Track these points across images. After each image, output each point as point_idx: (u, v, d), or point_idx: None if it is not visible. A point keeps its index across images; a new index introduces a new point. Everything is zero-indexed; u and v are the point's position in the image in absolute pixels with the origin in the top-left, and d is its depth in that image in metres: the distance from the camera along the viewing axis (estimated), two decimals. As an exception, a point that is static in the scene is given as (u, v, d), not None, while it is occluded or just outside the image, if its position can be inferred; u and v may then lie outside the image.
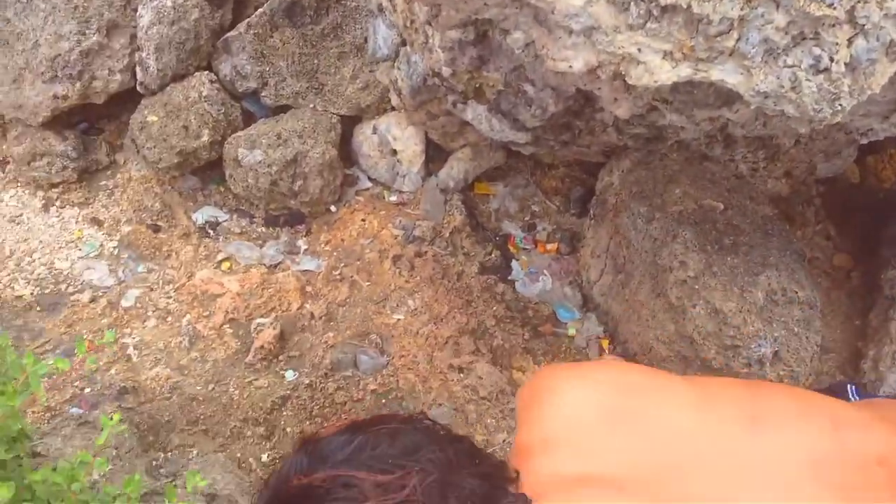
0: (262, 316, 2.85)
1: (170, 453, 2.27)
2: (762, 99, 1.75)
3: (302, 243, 3.12)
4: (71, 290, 2.82)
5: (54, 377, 2.44)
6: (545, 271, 3.08)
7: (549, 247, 3.17)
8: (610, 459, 0.96)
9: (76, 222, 3.02)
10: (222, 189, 3.21)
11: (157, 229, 3.04)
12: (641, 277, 2.70)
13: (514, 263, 3.11)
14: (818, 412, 1.09)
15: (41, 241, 2.94)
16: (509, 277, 3.06)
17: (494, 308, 2.90)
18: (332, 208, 3.19)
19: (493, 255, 3.10)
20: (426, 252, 3.02)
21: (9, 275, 2.83)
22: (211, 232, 3.09)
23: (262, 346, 2.72)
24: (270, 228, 3.15)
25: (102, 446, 0.89)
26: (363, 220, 3.15)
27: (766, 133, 2.47)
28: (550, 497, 0.94)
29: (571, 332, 2.92)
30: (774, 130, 2.40)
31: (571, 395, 1.04)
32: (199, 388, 2.63)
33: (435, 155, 3.26)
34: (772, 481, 0.98)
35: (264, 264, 3.01)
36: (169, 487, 0.94)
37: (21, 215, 3.00)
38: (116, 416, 0.90)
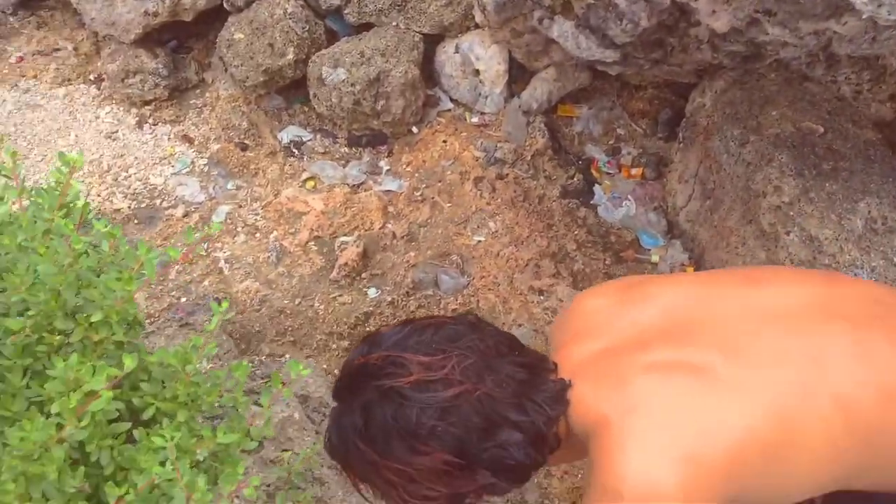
0: (345, 234, 2.91)
1: (264, 358, 2.37)
2: (875, 7, 1.63)
3: (384, 164, 3.14)
4: (165, 204, 2.93)
5: (153, 286, 2.56)
6: (629, 196, 3.02)
7: (633, 171, 3.09)
8: (628, 331, 1.08)
9: (168, 139, 3.12)
10: (306, 109, 3.24)
11: (244, 148, 3.11)
12: (732, 203, 2.61)
13: (596, 188, 3.05)
14: (812, 274, 1.26)
15: (136, 157, 3.05)
16: (592, 202, 3.02)
17: (576, 232, 2.87)
18: (414, 129, 3.18)
19: (575, 179, 3.05)
20: (507, 174, 3.00)
21: (107, 189, 2.95)
22: (296, 151, 3.14)
23: (345, 264, 2.78)
24: (353, 149, 3.18)
25: (213, 332, 0.94)
26: (444, 141, 3.13)
27: (872, 52, 2.31)
28: (582, 376, 1.04)
29: (655, 258, 2.87)
30: (882, 49, 2.24)
31: (588, 300, 1.19)
32: (286, 301, 2.72)
33: (518, 75, 3.19)
34: (780, 319, 1.06)
35: (347, 184, 3.05)
36: (274, 373, 0.98)
37: (117, 132, 3.10)
38: (224, 304, 0.94)
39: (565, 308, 1.24)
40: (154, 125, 3.15)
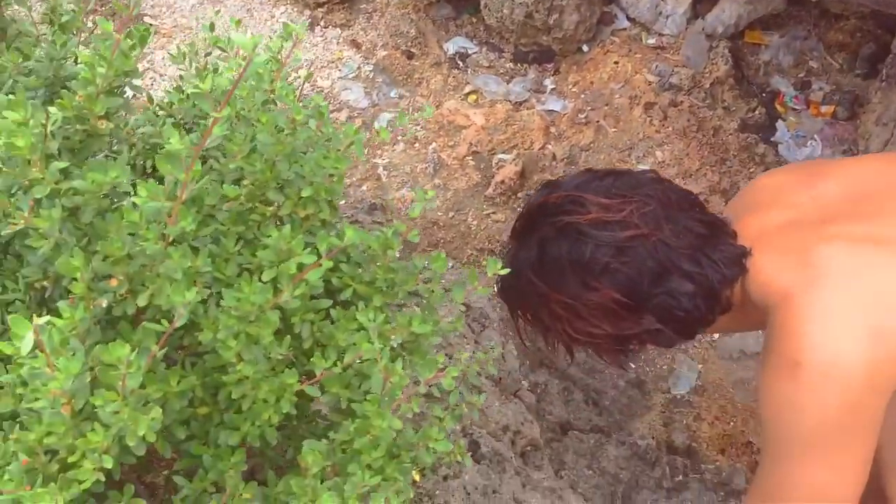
0: (504, 152, 2.85)
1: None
2: None
3: (549, 82, 3.03)
4: (330, 108, 2.97)
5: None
6: (815, 136, 2.77)
7: (823, 109, 2.82)
8: (811, 205, 1.04)
9: (337, 43, 3.14)
10: (474, 20, 3.16)
11: (410, 56, 3.08)
12: (941, 150, 2.34)
13: (779, 124, 2.82)
14: None
15: (306, 59, 3.09)
16: (772, 139, 2.79)
17: (752, 169, 2.68)
18: (584, 48, 3.04)
19: (756, 113, 2.83)
20: (682, 102, 2.82)
21: (278, 88, 3.02)
22: (460, 63, 3.08)
23: (502, 182, 2.74)
24: (518, 64, 3.08)
25: (418, 219, 0.91)
26: (616, 62, 2.97)
27: None
28: (762, 247, 1.02)
29: (836, 205, 2.64)
30: None
31: (768, 177, 1.19)
32: (440, 213, 2.71)
33: (705, -5, 2.96)
34: None
35: (510, 100, 2.98)
36: (471, 270, 0.96)
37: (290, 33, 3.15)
38: (431, 192, 0.91)
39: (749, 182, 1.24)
40: (325, 28, 3.17)
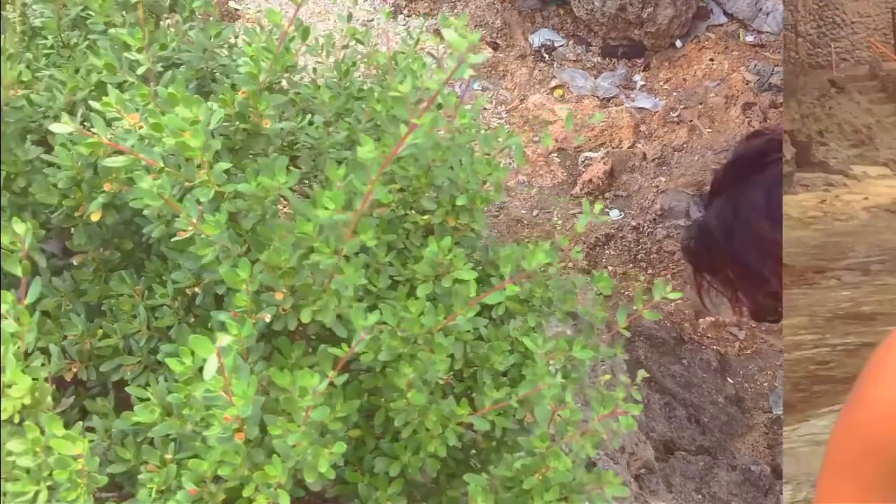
0: (591, 150, 2.75)
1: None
2: None
3: (639, 79, 2.92)
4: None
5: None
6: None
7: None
8: None
9: (420, 32, 3.06)
10: (562, 12, 3.06)
11: (495, 47, 3.00)
12: None
13: (886, 129, 2.66)
14: None
15: (388, 48, 3.03)
16: (878, 145, 2.64)
17: (857, 177, 2.54)
18: (678, 43, 2.92)
19: (862, 117, 2.68)
20: (782, 103, 2.68)
21: (360, 77, 2.97)
22: (546, 56, 2.98)
23: (590, 181, 2.64)
24: (607, 59, 2.98)
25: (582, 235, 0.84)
26: (711, 59, 2.85)
27: None
28: None
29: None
30: None
31: None
32: (524, 211, 2.63)
33: (810, -9, 2.81)
34: None
35: (597, 96, 2.87)
36: (637, 292, 0.88)
37: (372, 20, 3.10)
38: (598, 206, 0.83)
39: None
40: (408, 17, 3.11)
